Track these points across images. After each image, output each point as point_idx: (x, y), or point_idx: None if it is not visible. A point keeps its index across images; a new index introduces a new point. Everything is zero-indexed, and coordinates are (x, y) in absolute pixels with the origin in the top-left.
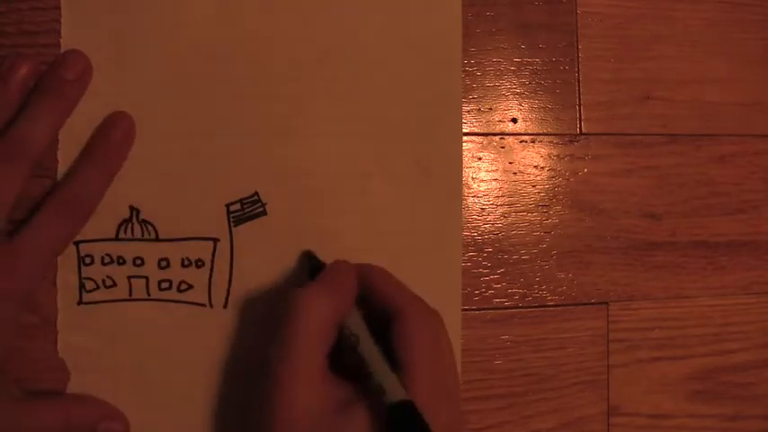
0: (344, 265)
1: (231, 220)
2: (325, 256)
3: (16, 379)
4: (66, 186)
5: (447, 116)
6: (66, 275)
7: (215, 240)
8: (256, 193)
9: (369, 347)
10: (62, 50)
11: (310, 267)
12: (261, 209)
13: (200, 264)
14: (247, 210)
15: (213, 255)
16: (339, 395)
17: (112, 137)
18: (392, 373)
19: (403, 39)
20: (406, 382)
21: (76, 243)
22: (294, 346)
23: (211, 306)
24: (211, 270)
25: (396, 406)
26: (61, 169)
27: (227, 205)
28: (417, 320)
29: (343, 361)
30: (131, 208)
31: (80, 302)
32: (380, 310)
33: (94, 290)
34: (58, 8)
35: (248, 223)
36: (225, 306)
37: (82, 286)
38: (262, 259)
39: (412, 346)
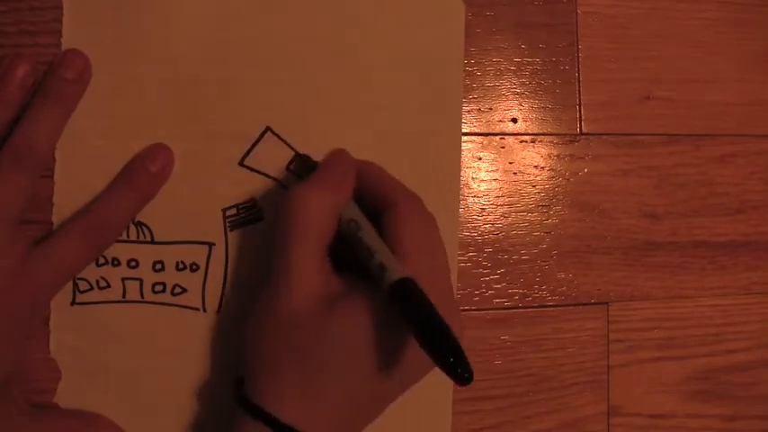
0: (343, 155)
1: (227, 224)
2: None
3: (8, 380)
4: (97, 210)
5: (446, 125)
6: None
7: (210, 245)
8: (253, 199)
9: (369, 232)
10: (62, 50)
11: (307, 168)
12: (257, 214)
13: (194, 267)
14: (243, 215)
15: (208, 259)
16: (334, 286)
17: (151, 169)
18: (391, 255)
19: (404, 44)
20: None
21: None
22: (292, 238)
23: (204, 310)
24: (206, 274)
25: (398, 282)
26: (59, 168)
27: (224, 210)
28: (410, 210)
29: (342, 254)
30: None
31: (73, 303)
32: (374, 204)
33: (88, 290)
34: (58, 8)
35: (244, 228)
36: (218, 311)
37: (75, 286)
38: (256, 265)
39: (403, 232)
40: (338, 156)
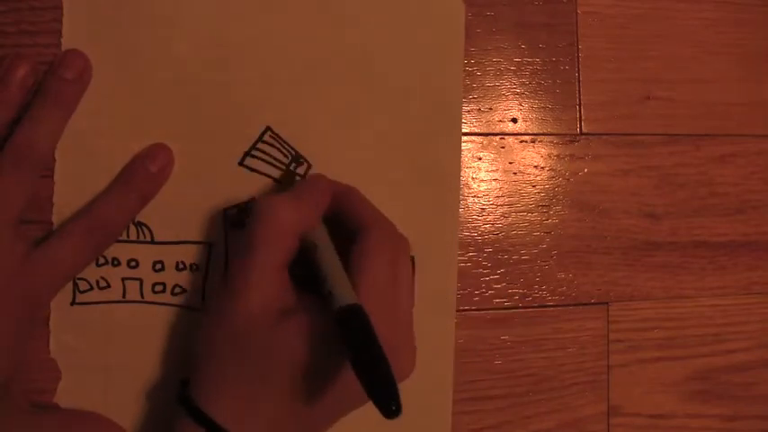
0: (321, 179)
1: (227, 224)
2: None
3: (8, 380)
4: (97, 211)
5: (446, 125)
6: None
7: (210, 245)
8: (253, 199)
9: (327, 256)
10: (62, 50)
11: (289, 182)
12: None
13: (194, 268)
14: (244, 215)
15: (208, 259)
16: (288, 302)
17: (151, 169)
18: (347, 281)
19: (404, 44)
20: (355, 291)
21: None
22: (254, 248)
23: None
24: (206, 275)
25: (343, 309)
26: (59, 168)
27: (224, 210)
28: (379, 236)
29: (303, 273)
30: None
31: (73, 303)
32: (349, 229)
33: (88, 290)
34: (58, 8)
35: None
36: None
37: (75, 286)
38: None
39: (367, 257)
40: (317, 179)
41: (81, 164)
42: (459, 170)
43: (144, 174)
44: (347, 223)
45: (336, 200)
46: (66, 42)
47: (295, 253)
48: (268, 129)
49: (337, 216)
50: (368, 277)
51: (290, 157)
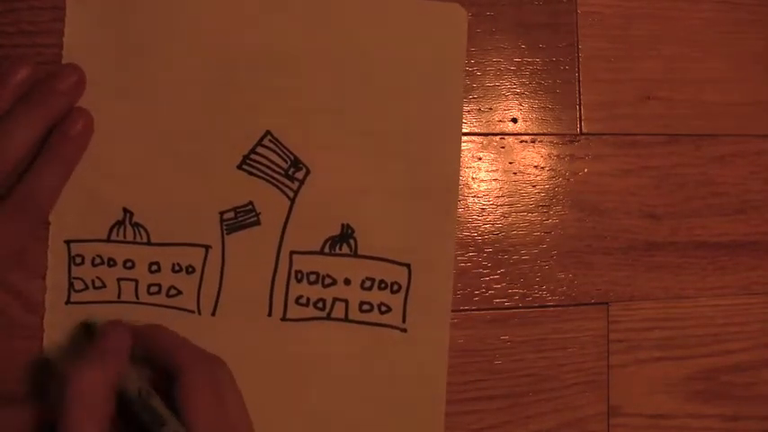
0: (115, 327)
1: (224, 227)
2: (315, 268)
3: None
4: (25, 185)
5: (446, 125)
6: (56, 274)
7: (207, 247)
8: (251, 203)
9: (150, 401)
10: (64, 50)
11: (91, 336)
12: (254, 218)
13: (190, 270)
14: (241, 218)
15: (204, 262)
16: None
17: (70, 132)
18: (175, 421)
19: (406, 47)
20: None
21: (67, 242)
22: (69, 424)
23: (199, 313)
24: (201, 277)
25: None
26: None
27: (221, 213)
28: (197, 375)
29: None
30: (125, 210)
31: (68, 302)
32: (166, 369)
33: (83, 290)
34: (58, 8)
35: (241, 232)
36: (213, 314)
37: (71, 286)
38: (252, 269)
39: (193, 401)
40: (111, 329)
41: (78, 164)
42: (459, 170)
43: (62, 138)
44: (160, 361)
45: (142, 341)
46: (68, 42)
47: (113, 406)
48: (268, 133)
49: (150, 354)
50: (196, 414)
51: (288, 162)
